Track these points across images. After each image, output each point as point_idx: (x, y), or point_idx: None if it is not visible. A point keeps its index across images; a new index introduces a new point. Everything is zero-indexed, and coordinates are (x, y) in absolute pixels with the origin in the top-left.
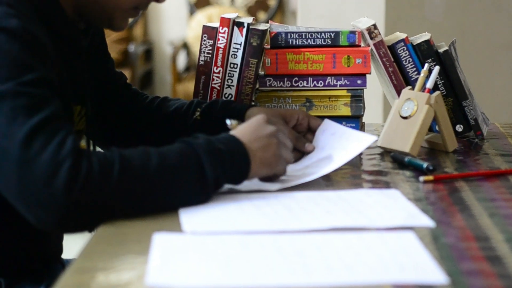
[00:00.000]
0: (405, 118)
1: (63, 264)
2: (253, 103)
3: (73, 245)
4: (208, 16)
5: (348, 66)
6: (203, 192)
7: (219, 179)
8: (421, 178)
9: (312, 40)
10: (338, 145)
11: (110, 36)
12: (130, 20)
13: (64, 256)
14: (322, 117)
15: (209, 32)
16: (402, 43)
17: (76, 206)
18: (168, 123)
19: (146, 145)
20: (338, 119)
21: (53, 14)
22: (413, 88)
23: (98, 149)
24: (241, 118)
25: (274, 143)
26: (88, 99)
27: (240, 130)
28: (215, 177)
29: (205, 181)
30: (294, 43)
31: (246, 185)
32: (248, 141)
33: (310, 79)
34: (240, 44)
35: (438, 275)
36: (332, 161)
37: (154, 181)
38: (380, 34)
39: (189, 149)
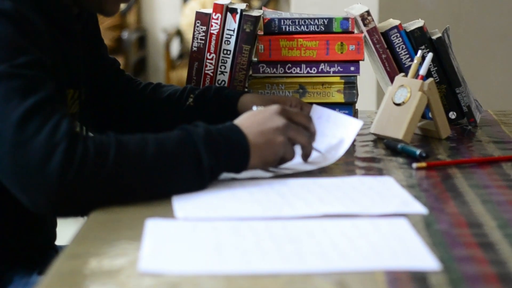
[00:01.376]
0: (398, 105)
1: (56, 251)
2: (246, 90)
3: (66, 231)
4: (202, 3)
5: (341, 52)
6: (198, 180)
7: (215, 169)
8: (414, 165)
9: (305, 26)
10: (328, 132)
11: (104, 23)
12: (123, 6)
13: (58, 242)
14: (316, 104)
15: (202, 18)
16: (396, 30)
17: (70, 189)
18: (161, 109)
19: (139, 131)
20: (331, 105)
21: (48, 0)
22: (406, 75)
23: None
24: (234, 105)
25: (279, 142)
26: (81, 83)
27: (247, 120)
28: (211, 166)
29: (201, 170)
30: (287, 30)
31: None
32: (251, 133)
33: (303, 65)
34: (233, 31)
35: (430, 261)
36: (327, 156)
37: (150, 168)
38: (373, 20)
39: (187, 137)
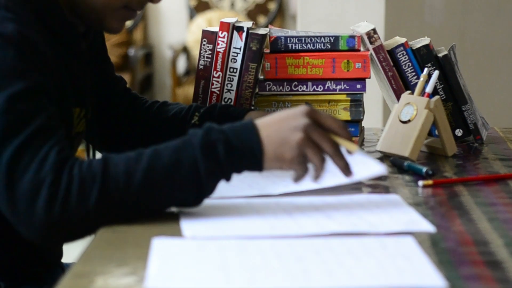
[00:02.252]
0: (404, 122)
1: (63, 268)
2: (252, 108)
3: (73, 248)
4: (208, 20)
5: (348, 70)
6: (197, 186)
7: (219, 172)
8: (420, 183)
9: (311, 44)
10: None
11: (110, 40)
12: (128, 22)
13: (64, 260)
14: None
15: (209, 37)
16: (402, 48)
17: (58, 224)
18: (167, 127)
19: (144, 147)
20: None
21: (53, 17)
22: (412, 93)
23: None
24: None
25: (295, 139)
26: (88, 101)
27: (270, 117)
28: (211, 170)
29: (198, 175)
30: (293, 48)
31: (247, 189)
32: (268, 129)
33: (309, 83)
34: (240, 49)
35: (437, 280)
36: (337, 176)
37: (139, 195)
38: (379, 38)
39: (186, 142)
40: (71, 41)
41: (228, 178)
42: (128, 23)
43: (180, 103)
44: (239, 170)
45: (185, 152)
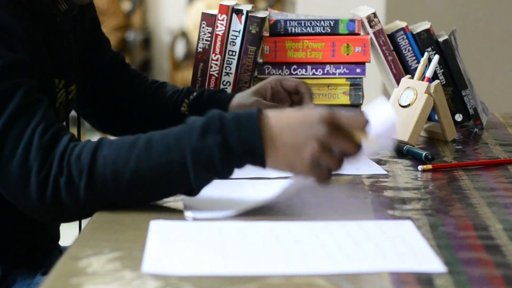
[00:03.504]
0: (404, 107)
1: (60, 251)
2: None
3: (70, 231)
4: (208, 4)
5: (348, 54)
6: (187, 191)
7: (210, 176)
8: (420, 167)
9: (311, 28)
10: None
11: (109, 25)
12: (127, 6)
13: (62, 243)
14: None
15: (208, 19)
16: (402, 32)
17: (52, 207)
18: (160, 112)
19: (139, 128)
20: (337, 107)
21: None
22: (412, 77)
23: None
24: (225, 109)
25: (311, 149)
26: (69, 73)
27: (280, 115)
28: (200, 178)
29: (188, 182)
30: (293, 31)
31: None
32: (279, 134)
33: (309, 67)
34: (239, 32)
35: (436, 263)
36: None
37: (127, 194)
38: (379, 22)
39: (177, 142)
40: (47, 17)
41: (223, 177)
42: (127, 7)
43: (177, 86)
44: (239, 168)
45: (176, 155)
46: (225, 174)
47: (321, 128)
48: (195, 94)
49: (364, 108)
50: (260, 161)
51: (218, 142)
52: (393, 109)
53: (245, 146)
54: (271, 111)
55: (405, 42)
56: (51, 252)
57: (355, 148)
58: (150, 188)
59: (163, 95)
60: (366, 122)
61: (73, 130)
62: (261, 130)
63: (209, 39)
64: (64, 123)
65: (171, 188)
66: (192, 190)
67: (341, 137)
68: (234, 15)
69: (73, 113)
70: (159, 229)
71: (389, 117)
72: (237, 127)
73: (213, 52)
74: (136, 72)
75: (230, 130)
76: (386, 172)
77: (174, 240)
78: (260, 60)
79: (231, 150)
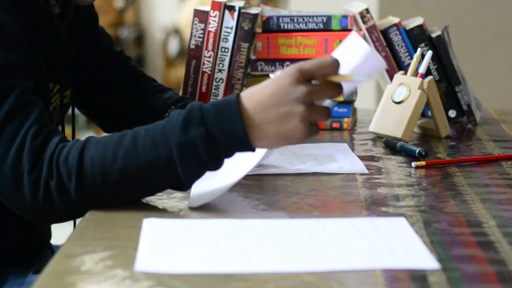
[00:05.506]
0: (397, 103)
1: (52, 250)
2: (244, 87)
3: (62, 230)
4: (201, 1)
5: None
6: (177, 183)
7: (198, 170)
8: (413, 164)
9: (304, 24)
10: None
11: (102, 22)
12: (120, 4)
13: (53, 241)
14: None
15: (200, 16)
16: (395, 28)
17: (45, 209)
18: (149, 116)
19: (136, 126)
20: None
21: (23, 0)
22: (405, 73)
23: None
24: None
25: (300, 113)
26: (64, 77)
27: (255, 93)
28: (188, 172)
29: (177, 175)
30: (285, 27)
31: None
32: (261, 111)
33: None
34: (231, 28)
35: (429, 260)
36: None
37: (116, 193)
38: (372, 18)
39: (163, 137)
40: (43, 21)
41: (214, 169)
42: (120, 4)
43: (175, 92)
44: (228, 157)
45: (162, 151)
46: (215, 165)
47: (297, 89)
48: (179, 105)
49: (335, 50)
50: (248, 147)
51: (201, 135)
52: (363, 41)
53: (229, 135)
54: (246, 92)
55: (398, 38)
56: (42, 250)
57: (336, 90)
58: (139, 185)
59: (157, 100)
60: (336, 63)
61: (68, 131)
62: (242, 115)
63: (201, 35)
64: (60, 127)
65: (160, 184)
66: (182, 184)
67: (319, 88)
68: (227, 12)
69: (68, 113)
70: (152, 227)
71: (360, 48)
72: (218, 117)
73: (206, 49)
74: (141, 73)
75: (211, 121)
76: (367, 171)
77: (167, 238)
78: (253, 57)
79: (216, 141)
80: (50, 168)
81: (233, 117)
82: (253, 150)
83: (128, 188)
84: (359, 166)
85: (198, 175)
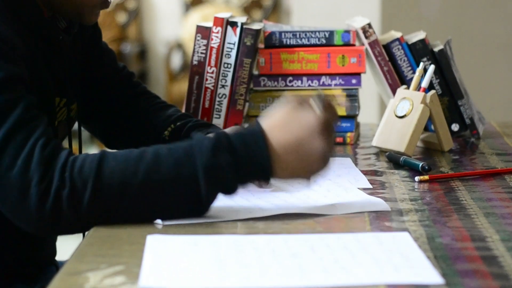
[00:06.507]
0: (400, 117)
1: (56, 266)
2: (247, 102)
3: (67, 246)
4: (203, 16)
5: (343, 65)
6: (197, 206)
7: (220, 191)
8: (417, 178)
9: (306, 39)
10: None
11: (105, 37)
12: (122, 19)
13: (58, 258)
14: None
15: (203, 32)
16: (397, 42)
17: (50, 221)
18: (149, 132)
19: (141, 145)
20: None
21: (28, 14)
22: (408, 87)
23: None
24: None
25: (321, 147)
26: (69, 91)
27: (281, 134)
28: (211, 193)
29: (199, 197)
30: (288, 43)
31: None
32: (285, 154)
33: (304, 78)
34: (234, 44)
35: (433, 275)
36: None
37: (132, 207)
38: (374, 33)
39: (188, 158)
40: (48, 35)
41: (230, 195)
42: (123, 19)
43: (177, 108)
44: (243, 186)
45: (186, 170)
46: (234, 192)
47: (322, 138)
48: (179, 123)
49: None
50: (267, 178)
51: (229, 162)
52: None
53: (256, 165)
54: (269, 124)
55: (401, 52)
56: (47, 267)
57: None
58: (157, 201)
59: (159, 117)
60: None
61: (75, 145)
62: (268, 150)
63: (204, 51)
64: (67, 140)
65: (177, 202)
66: (200, 205)
67: (332, 131)
68: (229, 27)
69: (74, 128)
70: (155, 243)
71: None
72: (245, 147)
73: (209, 64)
74: (143, 89)
75: (239, 150)
76: (370, 186)
77: (170, 255)
78: (255, 72)
79: (242, 170)
80: (62, 178)
81: (260, 150)
82: (267, 182)
83: (143, 203)
84: (362, 181)
85: (216, 198)
